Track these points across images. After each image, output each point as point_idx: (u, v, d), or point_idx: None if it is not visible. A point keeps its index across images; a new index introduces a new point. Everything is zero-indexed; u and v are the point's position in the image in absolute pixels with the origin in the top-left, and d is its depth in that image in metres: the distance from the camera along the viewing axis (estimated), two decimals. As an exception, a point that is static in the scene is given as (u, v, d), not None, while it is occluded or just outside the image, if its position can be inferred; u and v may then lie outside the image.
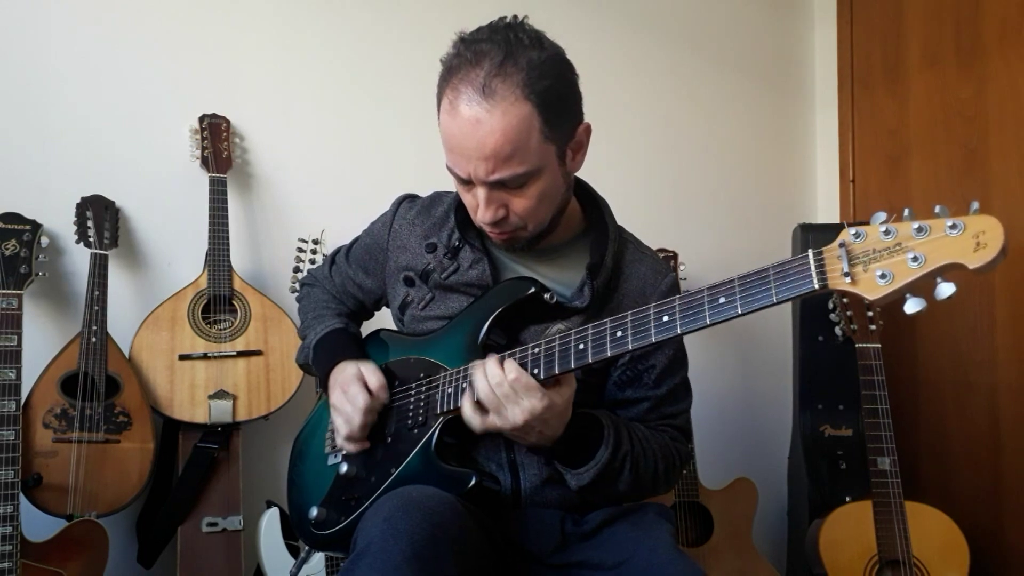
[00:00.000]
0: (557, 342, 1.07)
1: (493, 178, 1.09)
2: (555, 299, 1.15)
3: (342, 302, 1.44)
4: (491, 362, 1.07)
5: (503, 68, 1.06)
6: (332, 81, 2.14)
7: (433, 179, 2.23)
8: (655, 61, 2.57)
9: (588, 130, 1.18)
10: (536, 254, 1.25)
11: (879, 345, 1.98)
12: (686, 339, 1.18)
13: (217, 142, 1.92)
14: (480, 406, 1.08)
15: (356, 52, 2.17)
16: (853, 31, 2.72)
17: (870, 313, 2.02)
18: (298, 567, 1.36)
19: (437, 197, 1.37)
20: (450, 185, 1.20)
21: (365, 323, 1.50)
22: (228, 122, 1.96)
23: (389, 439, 1.20)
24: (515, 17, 1.12)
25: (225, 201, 1.89)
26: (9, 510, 1.53)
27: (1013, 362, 2.20)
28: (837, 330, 2.11)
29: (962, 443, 2.32)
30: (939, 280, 0.81)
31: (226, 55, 2.03)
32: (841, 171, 2.74)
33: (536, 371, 1.07)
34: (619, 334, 1.01)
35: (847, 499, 2.06)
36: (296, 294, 1.92)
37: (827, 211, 2.79)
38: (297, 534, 1.27)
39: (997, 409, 2.23)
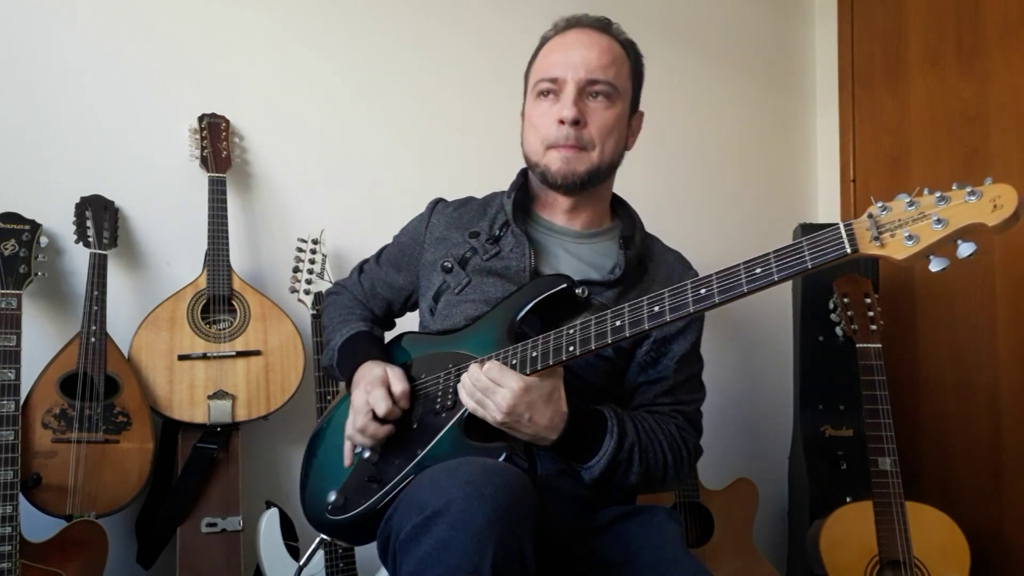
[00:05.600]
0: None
1: (591, 76, 1.26)
2: (587, 294, 1.19)
3: (368, 307, 1.49)
4: (472, 366, 1.13)
5: (609, 26, 1.32)
6: (332, 81, 2.14)
7: (432, 178, 2.24)
8: (655, 61, 2.54)
9: (641, 118, 1.39)
10: (574, 236, 1.34)
11: (880, 345, 1.98)
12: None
13: (216, 142, 1.92)
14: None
15: (356, 52, 2.16)
16: (854, 30, 2.71)
17: (871, 313, 2.02)
18: (299, 571, 1.35)
19: (469, 199, 1.46)
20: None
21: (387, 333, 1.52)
22: (228, 122, 1.96)
23: (415, 425, 1.21)
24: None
25: (224, 201, 1.89)
26: (8, 510, 1.52)
27: (1013, 362, 2.20)
28: (838, 330, 2.11)
29: (963, 443, 2.31)
30: (960, 242, 0.88)
31: (226, 55, 2.02)
32: (842, 171, 2.73)
33: (516, 363, 1.12)
34: (656, 308, 1.04)
35: (848, 499, 2.06)
36: (293, 291, 1.93)
37: (827, 211, 2.78)
38: (311, 523, 1.25)
39: (997, 409, 2.23)
